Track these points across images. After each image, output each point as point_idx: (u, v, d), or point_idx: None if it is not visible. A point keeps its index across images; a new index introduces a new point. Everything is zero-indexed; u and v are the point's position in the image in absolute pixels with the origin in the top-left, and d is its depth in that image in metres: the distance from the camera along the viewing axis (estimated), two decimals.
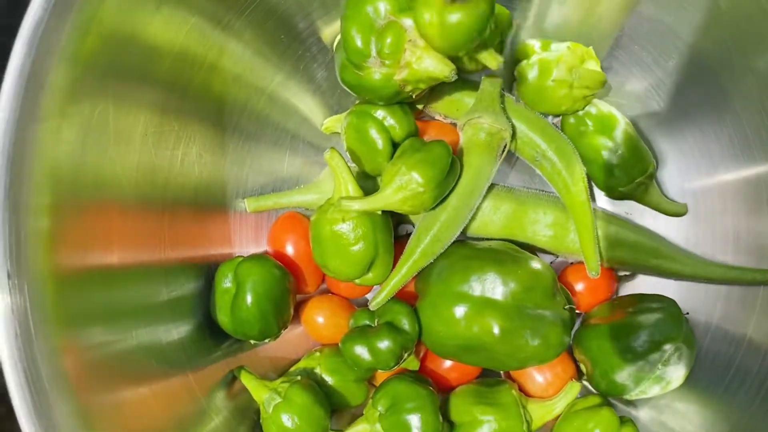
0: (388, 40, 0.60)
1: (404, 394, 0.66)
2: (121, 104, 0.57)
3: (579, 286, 0.76)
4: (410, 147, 0.66)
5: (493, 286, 0.66)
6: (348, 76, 0.65)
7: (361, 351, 0.66)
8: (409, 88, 0.64)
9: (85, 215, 0.55)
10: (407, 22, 0.60)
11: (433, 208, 0.68)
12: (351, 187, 0.66)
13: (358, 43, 0.61)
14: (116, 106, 0.56)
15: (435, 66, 0.61)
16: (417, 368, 0.73)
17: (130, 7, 0.55)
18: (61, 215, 0.52)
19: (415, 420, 0.65)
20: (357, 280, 0.69)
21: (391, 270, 0.69)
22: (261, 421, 0.67)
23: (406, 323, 0.68)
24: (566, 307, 0.68)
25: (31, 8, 0.48)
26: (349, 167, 0.66)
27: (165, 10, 0.58)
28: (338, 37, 0.66)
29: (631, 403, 0.73)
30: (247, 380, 0.69)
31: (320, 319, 0.76)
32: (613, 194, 0.77)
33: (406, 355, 0.68)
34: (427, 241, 0.68)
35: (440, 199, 0.67)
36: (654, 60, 0.73)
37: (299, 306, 0.77)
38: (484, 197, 0.72)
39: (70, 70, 0.51)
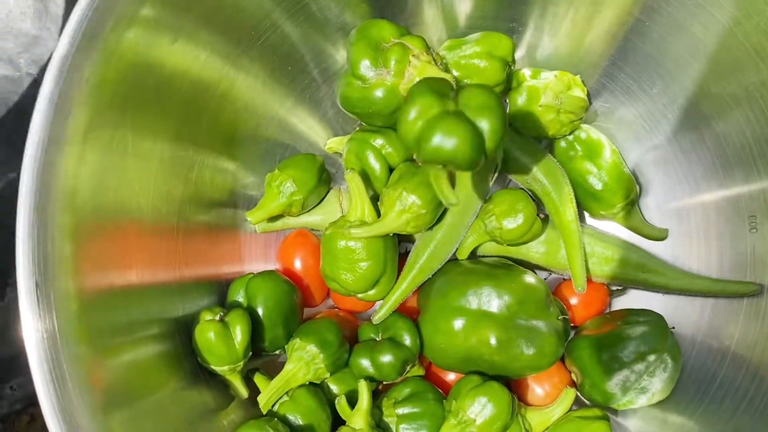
0: (395, 54, 0.66)
1: (419, 388, 0.70)
2: (139, 131, 0.61)
3: (573, 300, 0.78)
4: (407, 171, 0.69)
5: (488, 299, 0.68)
6: (353, 93, 0.68)
7: (366, 364, 0.70)
8: None
9: (105, 236, 0.59)
10: (408, 44, 0.66)
11: (431, 228, 0.71)
12: (366, 209, 0.69)
13: (367, 59, 0.66)
14: (134, 132, 0.60)
15: (436, 76, 0.65)
16: (423, 374, 0.75)
17: (147, 44, 0.59)
18: (83, 237, 0.55)
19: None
20: (360, 295, 0.72)
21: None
22: None
23: (407, 338, 0.71)
24: (560, 317, 0.70)
25: (59, 44, 0.52)
26: (366, 189, 0.69)
27: (179, 45, 0.62)
28: (343, 68, 0.70)
29: (620, 414, 0.75)
30: (259, 381, 0.72)
31: None
32: (596, 217, 0.79)
33: (408, 368, 0.71)
34: (425, 257, 0.72)
35: (437, 218, 0.70)
36: (640, 87, 0.76)
37: (307, 319, 0.78)
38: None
39: (93, 100, 0.55)
